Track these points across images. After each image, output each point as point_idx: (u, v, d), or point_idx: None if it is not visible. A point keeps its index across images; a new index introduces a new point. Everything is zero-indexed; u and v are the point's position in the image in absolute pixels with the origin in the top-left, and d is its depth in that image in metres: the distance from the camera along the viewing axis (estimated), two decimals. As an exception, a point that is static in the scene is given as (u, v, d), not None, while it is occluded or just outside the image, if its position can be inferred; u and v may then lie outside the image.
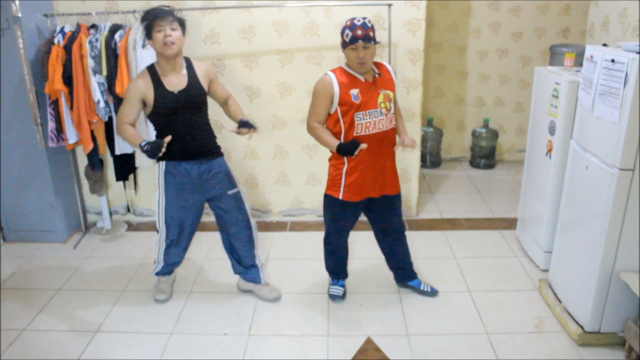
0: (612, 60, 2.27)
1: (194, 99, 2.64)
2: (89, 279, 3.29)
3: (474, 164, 5.24)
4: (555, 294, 2.86)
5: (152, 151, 2.52)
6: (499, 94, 5.20)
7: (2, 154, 3.55)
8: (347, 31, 2.47)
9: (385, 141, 2.63)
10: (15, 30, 3.19)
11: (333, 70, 2.60)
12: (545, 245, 3.16)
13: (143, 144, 2.53)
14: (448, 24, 5.01)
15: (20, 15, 3.17)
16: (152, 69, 2.62)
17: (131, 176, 3.83)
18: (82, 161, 3.80)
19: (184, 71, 2.65)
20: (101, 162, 3.73)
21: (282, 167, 3.93)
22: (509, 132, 5.31)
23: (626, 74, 2.17)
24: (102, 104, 3.33)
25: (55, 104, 3.41)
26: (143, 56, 3.26)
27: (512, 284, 3.12)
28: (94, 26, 3.38)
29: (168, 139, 2.56)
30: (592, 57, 2.46)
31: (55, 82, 3.26)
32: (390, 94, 2.60)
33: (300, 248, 3.61)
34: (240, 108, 2.85)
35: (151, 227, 3.97)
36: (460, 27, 5.02)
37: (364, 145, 2.49)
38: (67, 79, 3.29)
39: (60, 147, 3.56)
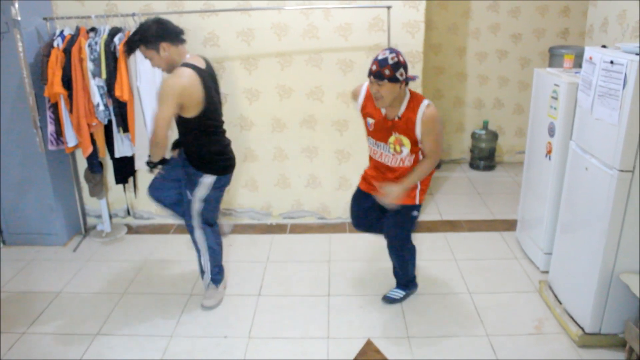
0: (611, 62, 2.27)
1: None
2: (88, 282, 3.28)
3: (473, 165, 5.25)
4: (555, 296, 2.86)
5: None
6: (499, 95, 5.20)
7: (2, 157, 3.55)
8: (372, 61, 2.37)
9: (391, 172, 2.60)
10: (14, 34, 3.19)
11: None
12: (545, 247, 3.16)
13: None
14: (447, 26, 5.01)
15: (19, 18, 3.17)
16: None
17: (131, 179, 3.84)
18: (82, 164, 3.80)
19: None
20: (101, 165, 3.73)
21: (281, 169, 3.93)
22: (508, 134, 5.31)
23: (625, 75, 2.18)
24: (101, 107, 3.33)
25: (55, 107, 3.41)
26: (142, 59, 3.27)
27: (512, 286, 3.11)
28: (93, 29, 3.38)
29: None
30: (591, 58, 2.47)
31: (55, 86, 3.26)
32: (405, 140, 2.44)
33: (300, 250, 3.61)
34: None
35: (151, 229, 3.97)
36: (459, 28, 5.02)
37: None
38: (67, 82, 3.29)
39: (60, 150, 3.57)
